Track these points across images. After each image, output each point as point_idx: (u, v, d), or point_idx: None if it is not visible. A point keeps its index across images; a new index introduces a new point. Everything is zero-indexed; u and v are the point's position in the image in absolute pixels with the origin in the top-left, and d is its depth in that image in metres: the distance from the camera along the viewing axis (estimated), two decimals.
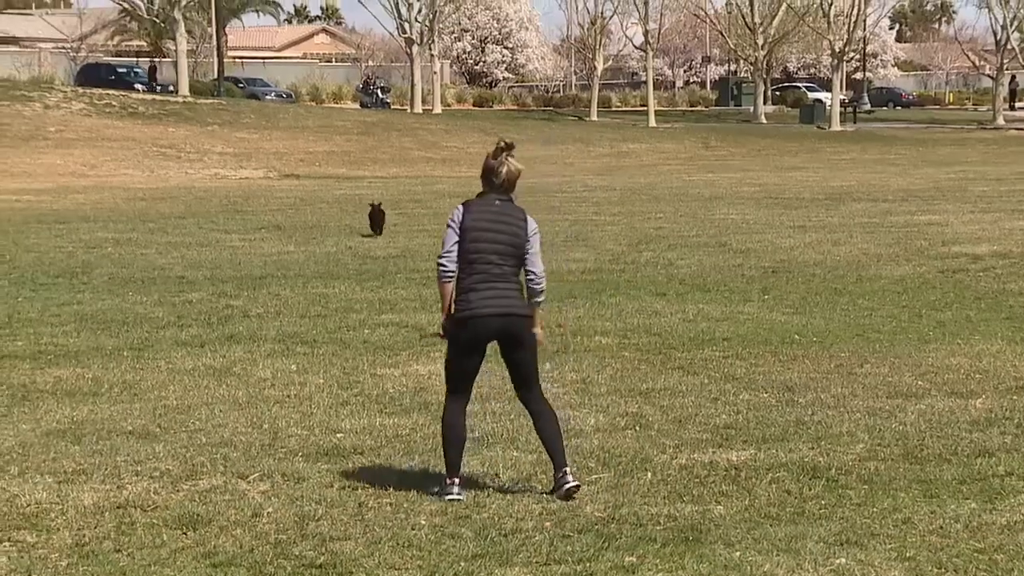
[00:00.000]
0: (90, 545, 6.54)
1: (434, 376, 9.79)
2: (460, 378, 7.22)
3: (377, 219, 20.98)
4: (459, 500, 7.09)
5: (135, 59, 72.62)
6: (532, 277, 7.20)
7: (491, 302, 7.06)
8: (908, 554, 6.32)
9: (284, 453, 8.15)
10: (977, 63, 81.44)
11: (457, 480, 7.19)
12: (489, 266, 7.07)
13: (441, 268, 7.15)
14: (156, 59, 67.69)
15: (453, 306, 7.16)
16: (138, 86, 59.47)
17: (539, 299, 7.25)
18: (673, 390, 9.83)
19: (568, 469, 7.21)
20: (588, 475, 7.60)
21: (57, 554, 6.43)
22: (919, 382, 10.08)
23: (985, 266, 17.12)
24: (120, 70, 63.71)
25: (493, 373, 8.25)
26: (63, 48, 72.56)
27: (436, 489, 7.23)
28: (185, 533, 6.68)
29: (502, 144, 7.19)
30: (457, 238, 7.09)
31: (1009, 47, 72.60)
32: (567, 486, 7.15)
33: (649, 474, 7.61)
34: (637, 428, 8.70)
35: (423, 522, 6.81)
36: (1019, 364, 10.78)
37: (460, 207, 7.19)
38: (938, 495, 7.21)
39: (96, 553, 6.43)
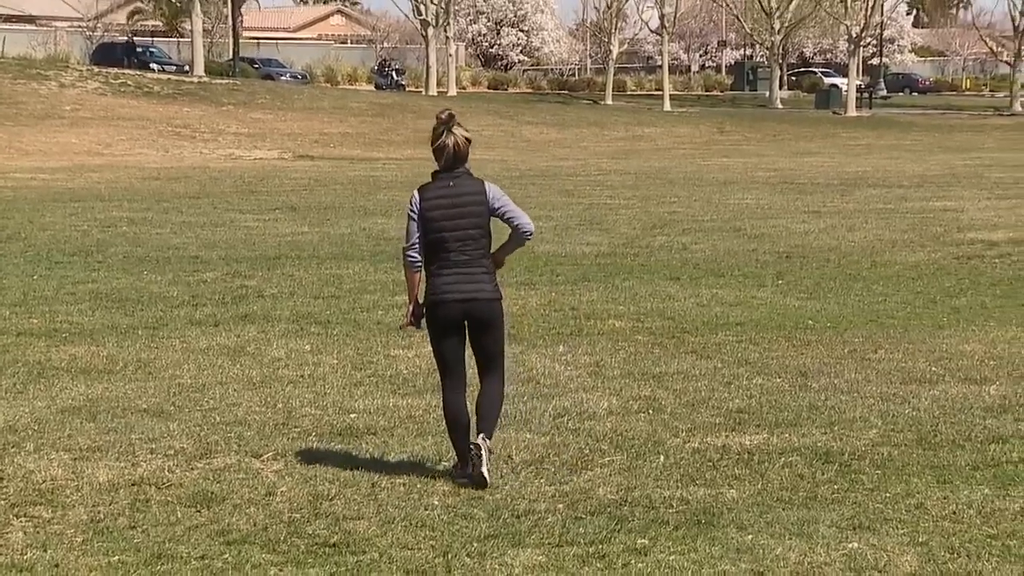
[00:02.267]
0: (105, 521, 6.58)
1: None
2: (445, 361, 7.19)
3: None
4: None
5: (150, 39, 72.63)
6: (525, 230, 7.08)
7: (455, 287, 7.02)
8: (921, 539, 6.32)
9: (298, 433, 8.17)
10: (995, 49, 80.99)
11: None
12: (451, 253, 7.02)
13: (409, 259, 7.09)
14: (131, 37, 67.33)
15: (423, 292, 7.13)
16: (153, 65, 59.52)
17: (528, 238, 7.15)
18: (686, 374, 9.83)
19: (487, 440, 7.00)
20: (601, 458, 7.61)
21: (72, 530, 6.47)
22: (933, 368, 10.06)
23: (1001, 252, 17.07)
24: (136, 49, 63.72)
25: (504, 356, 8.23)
26: (79, 27, 72.58)
27: (449, 469, 7.25)
28: (199, 511, 6.71)
29: (443, 117, 7.04)
30: (418, 226, 7.04)
31: None
32: (472, 450, 7.00)
33: (662, 457, 7.61)
34: (650, 411, 8.71)
35: (436, 502, 6.83)
36: None
37: (416, 193, 7.09)
38: (951, 481, 7.21)
39: (111, 529, 6.46)
